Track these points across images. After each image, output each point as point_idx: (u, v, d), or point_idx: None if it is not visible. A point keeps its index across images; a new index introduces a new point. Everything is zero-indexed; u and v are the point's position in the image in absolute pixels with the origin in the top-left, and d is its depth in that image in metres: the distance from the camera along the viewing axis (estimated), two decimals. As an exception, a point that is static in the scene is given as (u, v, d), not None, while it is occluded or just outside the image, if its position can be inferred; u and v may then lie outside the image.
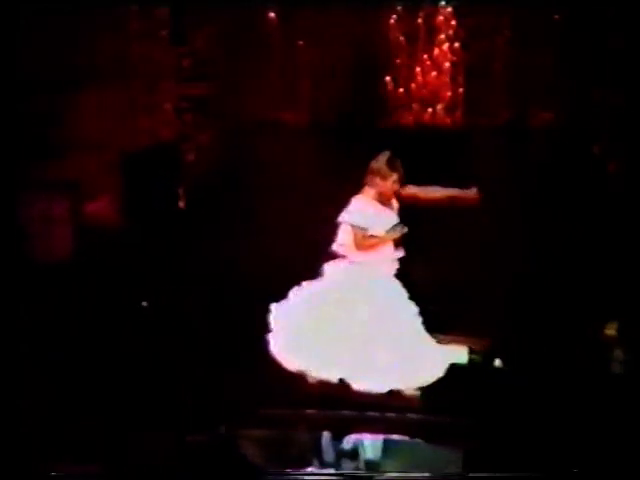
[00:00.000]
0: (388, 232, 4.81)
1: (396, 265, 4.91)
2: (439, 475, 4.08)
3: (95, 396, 4.43)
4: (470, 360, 5.62)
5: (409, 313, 4.92)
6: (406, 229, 4.84)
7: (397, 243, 4.89)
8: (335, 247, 4.89)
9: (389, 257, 4.87)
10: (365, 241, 4.79)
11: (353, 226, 4.80)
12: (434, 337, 5.29)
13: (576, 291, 5.73)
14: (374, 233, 4.80)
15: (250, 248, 5.86)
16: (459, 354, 5.01)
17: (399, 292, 4.91)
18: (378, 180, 4.77)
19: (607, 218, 6.28)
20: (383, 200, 4.82)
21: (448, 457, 4.24)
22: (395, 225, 4.82)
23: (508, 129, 7.41)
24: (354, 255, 4.85)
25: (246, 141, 7.45)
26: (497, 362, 5.16)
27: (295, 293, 5.01)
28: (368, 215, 4.78)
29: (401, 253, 4.92)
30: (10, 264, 5.35)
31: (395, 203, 4.90)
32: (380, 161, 4.76)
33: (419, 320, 4.93)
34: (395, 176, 4.75)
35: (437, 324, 5.74)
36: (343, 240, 4.86)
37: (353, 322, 4.79)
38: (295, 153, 7.16)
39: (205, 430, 4.20)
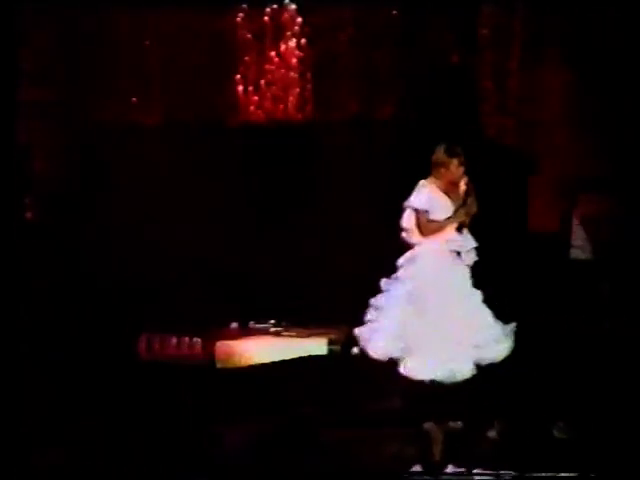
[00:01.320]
0: (449, 218, 5.09)
1: (468, 253, 5.16)
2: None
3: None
4: (330, 351, 5.89)
5: (474, 300, 5.16)
6: (467, 216, 5.12)
7: (461, 230, 5.14)
8: (403, 234, 5.20)
9: (453, 243, 5.13)
10: (428, 225, 5.08)
11: (415, 210, 5.10)
12: (292, 331, 5.50)
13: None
14: (435, 218, 5.09)
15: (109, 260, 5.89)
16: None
17: (464, 278, 5.16)
18: (442, 170, 5.08)
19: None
20: (450, 187, 5.11)
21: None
22: (456, 211, 5.09)
23: (356, 122, 7.72)
24: (417, 240, 5.16)
25: (98, 145, 7.38)
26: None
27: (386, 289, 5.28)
28: (430, 200, 5.08)
29: (471, 241, 5.15)
30: None
31: (463, 186, 5.13)
32: (438, 152, 5.09)
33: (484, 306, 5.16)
34: (455, 161, 5.05)
35: (294, 318, 5.96)
36: (407, 225, 5.18)
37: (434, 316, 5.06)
38: (150, 154, 7.17)
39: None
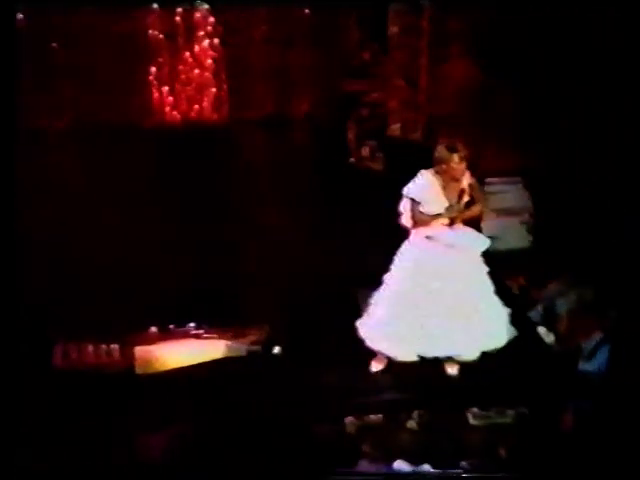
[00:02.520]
0: (439, 214, 5.14)
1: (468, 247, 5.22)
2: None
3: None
4: (251, 352, 5.89)
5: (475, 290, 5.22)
6: (462, 215, 5.18)
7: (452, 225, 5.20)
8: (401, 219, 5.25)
9: (441, 238, 5.19)
10: (418, 215, 5.15)
11: (409, 198, 5.15)
12: (213, 333, 5.49)
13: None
14: (425, 210, 5.13)
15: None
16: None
17: (464, 269, 5.22)
18: (443, 166, 5.07)
19: (370, 198, 6.78)
20: (450, 183, 5.13)
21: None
22: (448, 208, 5.12)
23: (272, 121, 7.75)
24: (411, 226, 5.25)
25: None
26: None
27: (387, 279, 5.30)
28: (423, 191, 5.11)
29: (466, 239, 5.22)
30: None
31: (464, 184, 5.16)
32: (439, 149, 5.08)
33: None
34: (455, 157, 5.03)
35: (215, 320, 5.93)
36: (403, 210, 5.25)
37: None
38: (61, 159, 7.04)
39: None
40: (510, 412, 4.93)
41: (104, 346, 5.66)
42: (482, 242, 5.30)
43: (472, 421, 4.92)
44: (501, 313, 5.31)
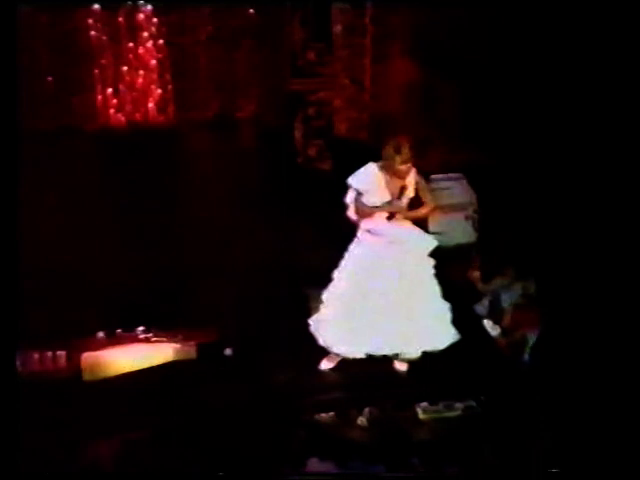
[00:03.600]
0: (381, 205, 5.17)
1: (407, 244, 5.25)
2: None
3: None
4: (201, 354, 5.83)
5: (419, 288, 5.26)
6: (400, 208, 5.21)
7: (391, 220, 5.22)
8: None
9: (381, 232, 5.22)
10: (359, 206, 5.21)
11: (352, 189, 5.22)
12: (162, 336, 5.43)
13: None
14: (366, 200, 5.17)
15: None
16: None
17: (408, 266, 5.25)
18: (388, 163, 5.12)
19: (319, 197, 6.80)
20: (395, 179, 5.18)
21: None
22: (390, 201, 5.15)
23: (217, 121, 7.72)
24: (356, 219, 5.30)
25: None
26: None
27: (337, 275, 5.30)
28: (366, 182, 5.14)
29: (403, 234, 5.25)
30: None
31: (408, 182, 5.19)
32: (386, 148, 5.12)
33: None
34: (398, 158, 5.07)
35: (164, 323, 5.87)
36: (348, 201, 5.31)
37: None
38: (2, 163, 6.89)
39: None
40: (459, 405, 4.99)
41: (49, 353, 5.56)
42: (428, 242, 5.35)
43: (421, 416, 4.97)
44: (446, 312, 5.35)
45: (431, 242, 5.34)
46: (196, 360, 5.73)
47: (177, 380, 5.42)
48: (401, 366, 5.30)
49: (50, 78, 7.69)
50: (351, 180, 5.23)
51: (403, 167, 5.13)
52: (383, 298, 5.19)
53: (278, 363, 5.47)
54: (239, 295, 5.97)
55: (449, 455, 4.68)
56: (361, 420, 4.97)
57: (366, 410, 5.00)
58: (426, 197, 5.31)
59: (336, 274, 5.34)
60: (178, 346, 5.76)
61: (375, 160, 5.17)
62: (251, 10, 7.67)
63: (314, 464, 4.47)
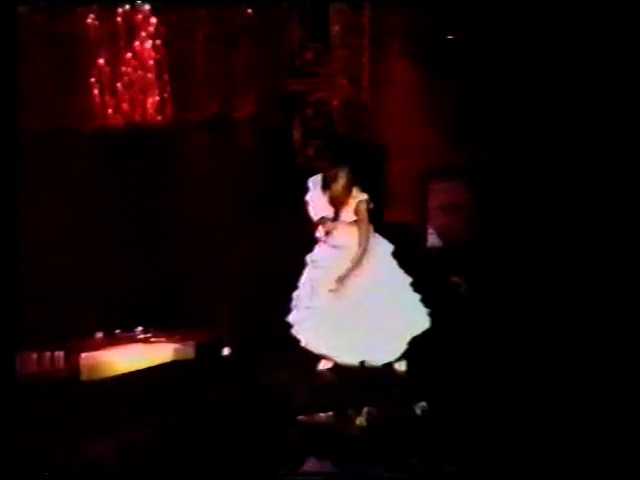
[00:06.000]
0: (317, 219, 5.29)
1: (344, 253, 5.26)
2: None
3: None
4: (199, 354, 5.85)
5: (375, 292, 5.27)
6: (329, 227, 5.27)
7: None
8: None
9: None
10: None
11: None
12: (161, 337, 5.43)
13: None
14: (310, 210, 5.30)
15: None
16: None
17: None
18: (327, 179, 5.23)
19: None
20: (333, 200, 5.24)
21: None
22: (321, 218, 5.27)
23: (216, 121, 7.72)
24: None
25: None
26: None
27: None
28: (311, 192, 5.31)
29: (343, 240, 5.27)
30: None
31: (350, 207, 5.20)
32: (331, 172, 5.18)
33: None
34: (334, 187, 5.18)
35: (162, 323, 5.88)
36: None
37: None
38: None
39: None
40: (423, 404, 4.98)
41: (48, 354, 5.56)
42: (383, 246, 5.29)
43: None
44: (416, 305, 5.31)
45: (387, 246, 5.30)
46: (194, 360, 5.74)
47: (175, 380, 5.42)
48: (400, 366, 5.29)
49: (48, 78, 7.74)
50: (308, 182, 5.31)
51: (338, 184, 5.15)
52: (336, 302, 5.22)
53: (276, 363, 5.48)
54: (237, 295, 5.98)
55: (449, 455, 4.68)
56: (360, 420, 4.97)
57: (365, 410, 5.00)
58: (361, 236, 5.16)
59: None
60: (176, 346, 5.78)
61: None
62: (249, 10, 7.70)
63: (312, 464, 4.48)
